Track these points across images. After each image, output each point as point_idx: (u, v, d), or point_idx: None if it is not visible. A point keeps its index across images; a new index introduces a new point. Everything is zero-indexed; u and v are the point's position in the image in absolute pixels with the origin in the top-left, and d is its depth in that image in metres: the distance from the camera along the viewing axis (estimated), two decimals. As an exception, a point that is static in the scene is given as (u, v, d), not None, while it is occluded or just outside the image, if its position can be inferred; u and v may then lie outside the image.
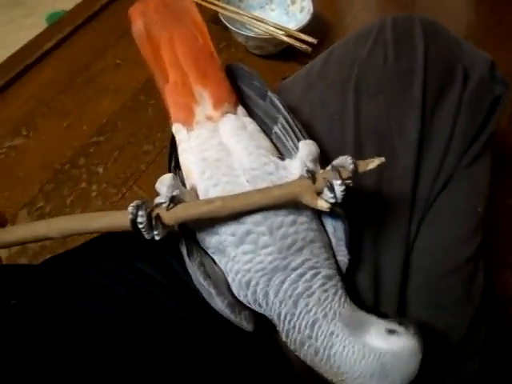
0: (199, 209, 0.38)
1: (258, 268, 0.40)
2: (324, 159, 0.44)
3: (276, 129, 0.47)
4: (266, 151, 0.44)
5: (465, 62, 0.55)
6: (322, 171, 0.40)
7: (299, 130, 0.45)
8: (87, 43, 1.18)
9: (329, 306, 0.39)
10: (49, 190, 0.94)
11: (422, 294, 0.51)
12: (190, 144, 0.44)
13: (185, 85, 0.45)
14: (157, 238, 0.37)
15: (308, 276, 0.40)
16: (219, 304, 0.41)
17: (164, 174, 0.43)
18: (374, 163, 0.38)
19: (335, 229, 0.44)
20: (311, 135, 0.50)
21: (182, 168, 0.45)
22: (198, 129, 0.44)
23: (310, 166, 0.41)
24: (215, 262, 0.43)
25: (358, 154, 0.50)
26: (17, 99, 1.08)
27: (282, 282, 0.40)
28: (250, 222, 0.40)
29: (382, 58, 0.53)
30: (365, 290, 0.49)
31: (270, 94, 0.48)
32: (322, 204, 0.38)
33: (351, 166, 0.38)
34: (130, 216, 0.36)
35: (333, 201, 0.38)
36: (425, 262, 0.51)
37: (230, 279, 0.42)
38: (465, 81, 0.53)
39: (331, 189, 0.37)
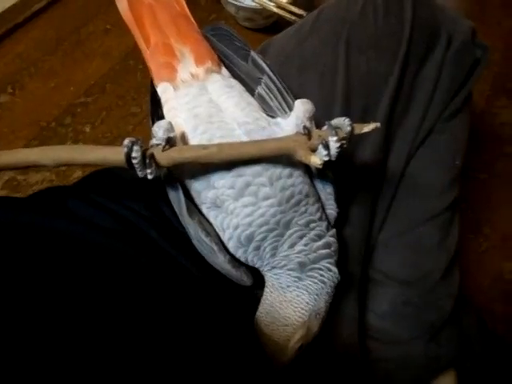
0: (194, 152, 0.38)
1: (260, 222, 0.40)
2: (315, 105, 0.45)
3: (260, 89, 0.48)
4: (257, 108, 0.45)
5: (449, 27, 0.57)
6: (317, 130, 0.41)
7: (284, 89, 0.46)
8: (78, 7, 1.18)
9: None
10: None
11: (400, 239, 0.54)
12: (179, 101, 0.44)
13: (166, 45, 0.45)
14: (149, 176, 0.37)
15: (312, 235, 0.41)
16: (221, 259, 0.41)
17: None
18: (369, 127, 0.39)
19: (323, 185, 0.46)
20: (302, 86, 0.52)
21: (173, 124, 0.45)
22: (186, 87, 0.44)
23: (307, 123, 0.42)
24: (208, 222, 0.43)
25: (346, 106, 0.52)
26: (3, 57, 1.07)
27: (297, 237, 0.41)
28: (248, 173, 0.40)
29: (372, 17, 0.56)
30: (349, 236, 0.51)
31: (252, 53, 0.48)
32: (316, 160, 0.38)
33: (348, 128, 0.38)
34: (125, 149, 0.36)
35: (326, 158, 0.38)
36: (404, 209, 0.54)
37: (226, 236, 0.42)
38: (448, 43, 0.57)
39: (326, 146, 0.38)
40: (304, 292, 0.41)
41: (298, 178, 0.42)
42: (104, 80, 1.06)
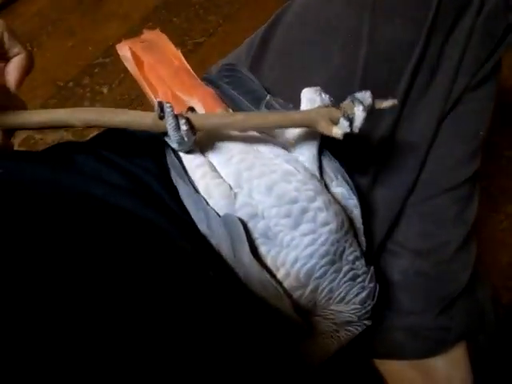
0: (221, 119, 0.40)
1: (323, 252, 0.37)
2: (334, 77, 0.47)
3: None
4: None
5: None
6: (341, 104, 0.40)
7: None
8: (98, -34, 1.15)
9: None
10: (51, 106, 0.93)
11: (417, 209, 0.53)
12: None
13: (174, 96, 0.47)
14: (185, 139, 0.38)
15: (360, 280, 0.40)
16: (287, 304, 0.37)
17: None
18: (388, 103, 0.39)
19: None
20: (324, 52, 0.50)
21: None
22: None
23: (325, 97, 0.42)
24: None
25: (367, 76, 0.50)
26: (22, 15, 1.06)
27: (350, 279, 0.39)
28: (302, 199, 0.38)
29: None
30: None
31: (268, 98, 0.48)
32: (337, 131, 0.37)
33: (369, 100, 0.38)
34: (158, 109, 0.37)
35: (348, 130, 0.37)
36: (424, 179, 0.52)
37: (281, 274, 0.38)
38: (480, 7, 0.53)
39: (348, 119, 0.37)
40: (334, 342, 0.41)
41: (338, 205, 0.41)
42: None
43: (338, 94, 0.49)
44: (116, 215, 0.39)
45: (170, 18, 1.09)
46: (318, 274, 0.37)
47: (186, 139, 0.38)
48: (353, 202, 0.43)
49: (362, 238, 0.43)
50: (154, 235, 0.39)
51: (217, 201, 0.40)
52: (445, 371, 0.50)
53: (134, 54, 0.50)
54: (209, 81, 0.52)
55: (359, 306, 0.39)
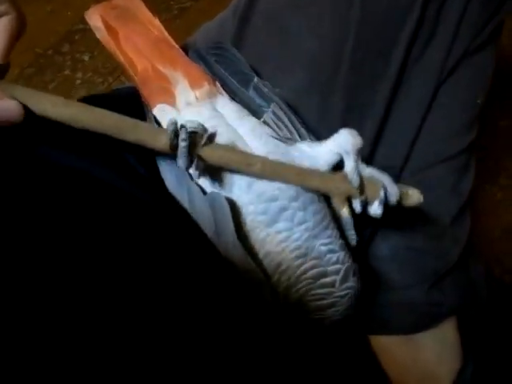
0: (238, 163, 0.37)
1: (293, 247, 0.38)
2: (324, 46, 0.45)
3: (266, 117, 0.44)
4: (270, 132, 0.42)
5: None
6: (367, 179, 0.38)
7: (296, 118, 0.44)
8: None
9: None
10: (29, 74, 0.89)
11: (412, 179, 0.51)
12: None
13: (155, 70, 0.43)
14: (192, 172, 0.36)
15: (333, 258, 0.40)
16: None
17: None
18: (413, 200, 0.38)
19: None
20: (313, 18, 0.48)
21: None
22: (195, 107, 0.42)
23: (353, 163, 0.38)
24: None
25: (359, 46, 0.47)
26: (-4, -23, 1.00)
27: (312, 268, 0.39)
28: (283, 197, 0.38)
29: None
30: None
31: (256, 80, 0.46)
32: (346, 214, 0.38)
33: (394, 199, 0.37)
34: (170, 136, 0.34)
35: (357, 212, 0.37)
36: (419, 149, 0.51)
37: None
38: None
39: (364, 203, 0.37)
40: None
41: (324, 202, 0.40)
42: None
43: (329, 64, 0.47)
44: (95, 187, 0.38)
45: (154, -20, 1.03)
46: (283, 267, 0.38)
47: (194, 171, 0.36)
48: None
49: (352, 232, 0.41)
50: (129, 207, 0.38)
51: (202, 181, 0.39)
52: (434, 347, 0.49)
53: (106, 23, 0.46)
54: (198, 54, 0.49)
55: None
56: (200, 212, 0.38)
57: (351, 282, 0.40)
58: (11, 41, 0.30)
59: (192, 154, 0.35)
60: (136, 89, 0.52)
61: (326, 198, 0.41)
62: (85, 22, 0.95)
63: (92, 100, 0.48)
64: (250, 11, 0.51)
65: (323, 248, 0.39)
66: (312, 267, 0.39)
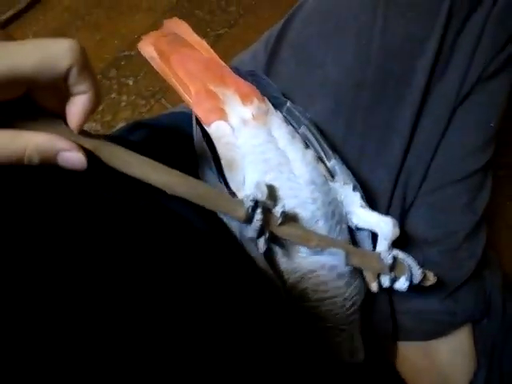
0: (300, 238, 0.41)
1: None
2: (347, 74, 0.49)
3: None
4: (316, 162, 0.46)
5: None
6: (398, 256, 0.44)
7: (323, 140, 0.48)
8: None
9: None
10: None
11: (426, 198, 0.54)
12: (242, 140, 0.44)
13: (207, 91, 0.46)
14: (261, 246, 0.39)
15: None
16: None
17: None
18: (431, 282, 0.44)
19: None
20: (338, 50, 0.51)
21: (224, 159, 0.45)
22: (252, 129, 0.45)
23: (392, 252, 0.43)
24: None
25: (379, 74, 0.51)
26: (51, 10, 1.11)
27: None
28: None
29: None
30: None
31: (289, 104, 0.49)
32: (375, 288, 0.44)
33: (418, 279, 0.42)
34: (248, 210, 0.37)
35: (385, 287, 0.43)
36: (434, 169, 0.54)
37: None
38: None
39: (393, 280, 0.43)
40: None
41: None
42: (148, 33, 1.08)
43: (352, 91, 0.52)
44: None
45: (193, 10, 1.11)
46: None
47: (263, 244, 0.40)
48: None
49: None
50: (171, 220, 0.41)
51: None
52: (448, 354, 0.52)
53: (159, 50, 0.49)
54: (239, 74, 0.52)
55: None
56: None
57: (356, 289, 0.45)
58: (85, 117, 0.30)
59: (264, 230, 0.39)
60: (177, 116, 0.57)
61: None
62: (130, 49, 1.06)
63: (139, 126, 0.54)
64: (279, 44, 0.56)
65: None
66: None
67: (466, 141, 0.54)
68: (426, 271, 0.44)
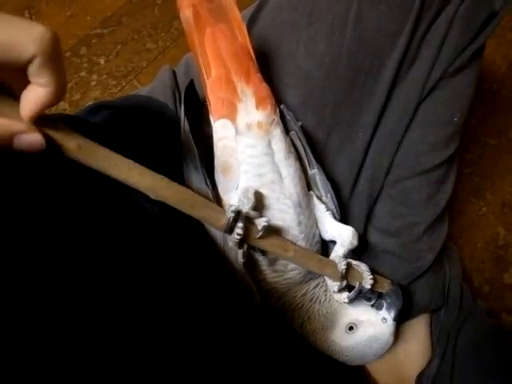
0: (278, 249, 0.43)
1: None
2: (319, 64, 0.49)
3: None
4: (304, 182, 0.48)
5: None
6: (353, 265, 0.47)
7: (309, 148, 0.49)
8: None
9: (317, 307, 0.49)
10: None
11: (387, 191, 0.55)
12: (242, 147, 0.44)
13: (228, 81, 0.44)
14: (240, 257, 0.41)
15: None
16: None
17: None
18: (384, 288, 0.48)
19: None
20: (312, 39, 0.51)
21: (219, 161, 0.46)
22: (253, 138, 0.44)
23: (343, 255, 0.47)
24: None
25: (351, 65, 0.51)
26: (21, -18, 1.06)
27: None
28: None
29: None
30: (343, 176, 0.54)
31: (282, 107, 0.50)
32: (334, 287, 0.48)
33: (367, 285, 0.46)
34: (229, 220, 0.38)
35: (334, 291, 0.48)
36: (397, 163, 0.55)
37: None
38: None
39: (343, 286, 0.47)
40: None
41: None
42: (121, 12, 1.04)
43: (322, 81, 0.51)
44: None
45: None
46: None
47: (242, 254, 0.41)
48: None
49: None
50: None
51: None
52: (405, 340, 0.53)
53: (196, 14, 0.45)
54: None
55: None
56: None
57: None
58: (39, 110, 0.29)
59: (243, 243, 0.40)
60: (143, 99, 0.55)
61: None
62: (103, 27, 1.02)
63: (102, 107, 0.52)
64: (249, 30, 0.54)
65: None
66: None
67: (428, 135, 0.55)
68: (383, 279, 0.48)
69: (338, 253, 0.48)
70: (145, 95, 0.58)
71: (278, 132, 0.46)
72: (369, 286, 0.46)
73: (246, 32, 0.47)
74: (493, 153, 0.94)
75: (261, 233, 0.40)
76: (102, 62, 0.98)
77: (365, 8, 0.51)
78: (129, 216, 0.40)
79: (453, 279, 0.58)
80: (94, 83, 0.95)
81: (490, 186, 0.90)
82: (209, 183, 0.44)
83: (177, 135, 0.48)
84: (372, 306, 0.49)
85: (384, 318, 0.47)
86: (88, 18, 1.03)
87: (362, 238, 0.53)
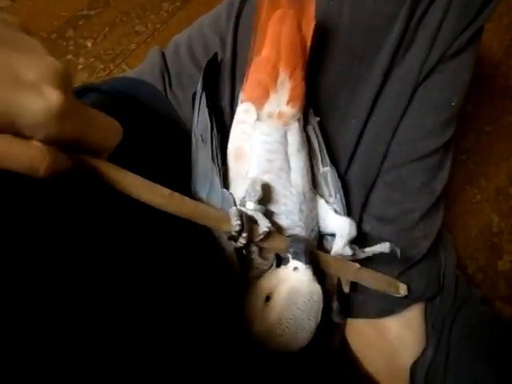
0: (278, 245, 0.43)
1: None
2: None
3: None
4: (310, 178, 0.49)
5: None
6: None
7: (324, 146, 0.50)
8: None
9: None
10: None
11: (385, 177, 0.54)
12: (257, 134, 0.45)
13: (274, 66, 0.44)
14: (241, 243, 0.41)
15: None
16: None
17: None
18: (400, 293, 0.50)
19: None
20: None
21: (234, 145, 0.47)
22: (270, 127, 0.45)
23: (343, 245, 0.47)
24: None
25: (347, 46, 0.50)
26: (4, -40, 1.02)
27: None
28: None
29: None
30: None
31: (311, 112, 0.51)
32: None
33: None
34: (236, 228, 0.39)
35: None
36: (393, 149, 0.53)
37: None
38: None
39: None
40: None
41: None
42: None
43: (316, 70, 0.50)
44: None
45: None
46: None
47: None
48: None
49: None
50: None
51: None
52: (398, 331, 0.53)
53: None
54: None
55: None
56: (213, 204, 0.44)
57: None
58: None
59: (247, 245, 0.41)
60: (131, 82, 0.54)
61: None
62: (90, 8, 0.99)
63: (89, 89, 0.50)
64: (242, 12, 0.54)
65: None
66: None
67: (425, 120, 0.53)
68: (398, 283, 0.50)
69: (338, 245, 0.47)
70: (133, 77, 0.57)
71: (296, 126, 0.47)
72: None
73: (312, 28, 0.46)
74: (488, 140, 0.93)
75: (262, 236, 0.41)
76: (89, 44, 0.95)
77: None
78: (124, 209, 0.39)
79: (448, 267, 0.57)
80: (80, 66, 0.92)
81: (484, 173, 0.90)
82: (217, 160, 0.44)
83: (166, 117, 0.47)
84: (278, 266, 0.45)
85: (295, 268, 0.43)
86: (74, -2, 0.99)
87: (358, 226, 0.51)
